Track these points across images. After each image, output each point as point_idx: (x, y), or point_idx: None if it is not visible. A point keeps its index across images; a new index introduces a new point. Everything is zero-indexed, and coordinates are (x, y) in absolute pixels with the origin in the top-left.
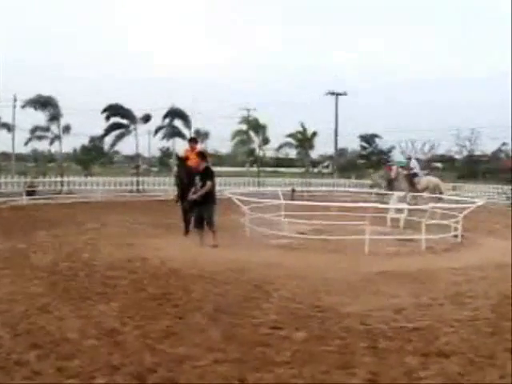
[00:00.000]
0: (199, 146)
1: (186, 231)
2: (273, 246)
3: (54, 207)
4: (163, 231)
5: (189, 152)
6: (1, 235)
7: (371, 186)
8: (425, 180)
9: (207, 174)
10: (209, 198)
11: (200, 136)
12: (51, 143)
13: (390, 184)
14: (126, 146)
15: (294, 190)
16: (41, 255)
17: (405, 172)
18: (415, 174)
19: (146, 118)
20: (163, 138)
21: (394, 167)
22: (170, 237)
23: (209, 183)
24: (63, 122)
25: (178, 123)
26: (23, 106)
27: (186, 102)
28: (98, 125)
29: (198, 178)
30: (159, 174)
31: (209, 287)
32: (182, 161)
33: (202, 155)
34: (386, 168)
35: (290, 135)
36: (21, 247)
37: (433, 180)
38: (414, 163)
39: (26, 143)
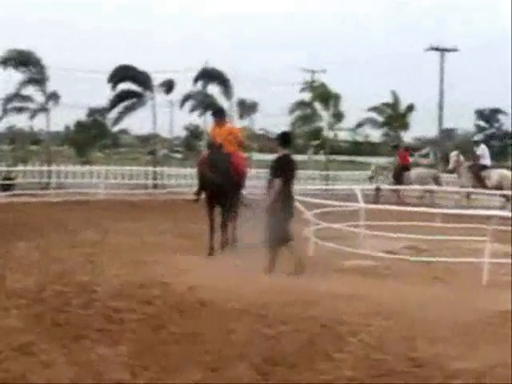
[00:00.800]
0: (234, 125)
1: (212, 248)
2: (348, 270)
3: (39, 207)
4: (191, 244)
5: (215, 131)
6: None
7: (370, 179)
8: (496, 174)
9: (281, 166)
10: (278, 204)
11: (245, 109)
12: (33, 117)
13: (399, 176)
14: (139, 123)
15: (378, 189)
16: (20, 276)
17: (467, 163)
18: (484, 167)
19: (168, 85)
20: (192, 110)
21: (454, 155)
22: (201, 253)
23: (277, 181)
24: (50, 88)
25: (213, 90)
26: None
27: (223, 63)
28: (100, 93)
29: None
30: (184, 163)
31: (256, 327)
32: (215, 147)
33: (236, 139)
34: (399, 153)
35: (374, 109)
36: None
37: (507, 175)
38: (482, 150)
39: (1, 118)
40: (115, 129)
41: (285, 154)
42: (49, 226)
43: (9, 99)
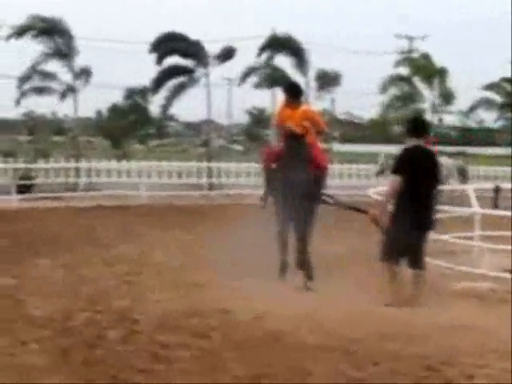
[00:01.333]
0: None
1: (283, 267)
2: (460, 294)
3: (64, 214)
4: (256, 261)
5: (284, 113)
6: None
7: (378, 174)
8: None
9: (408, 161)
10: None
11: (326, 84)
12: (58, 100)
13: None
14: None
15: (498, 189)
16: (41, 300)
17: None
18: None
19: (226, 55)
20: (256, 87)
21: None
22: (269, 272)
23: (397, 180)
24: (79, 63)
25: (283, 62)
26: (9, 37)
27: (296, 29)
28: (140, 70)
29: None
30: (247, 157)
31: (342, 367)
32: (292, 137)
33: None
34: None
35: (491, 87)
36: (7, 285)
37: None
38: None
39: (17, 102)
40: (159, 114)
41: (416, 146)
42: (77, 238)
43: (27, 77)
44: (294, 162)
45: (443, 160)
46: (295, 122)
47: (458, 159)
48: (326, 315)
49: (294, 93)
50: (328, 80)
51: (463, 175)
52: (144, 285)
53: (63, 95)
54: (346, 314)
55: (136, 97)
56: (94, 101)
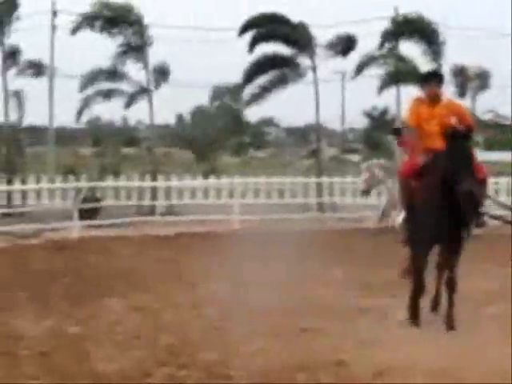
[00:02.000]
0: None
1: (415, 309)
2: None
3: (139, 245)
4: (380, 302)
5: (420, 111)
6: (29, 306)
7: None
8: None
9: None
10: None
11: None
12: (129, 104)
13: None
14: (292, 109)
15: None
16: (111, 352)
17: None
18: None
19: (344, 44)
20: (377, 82)
21: None
22: (396, 315)
23: None
24: (153, 57)
25: (408, 49)
26: (74, 30)
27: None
28: (230, 63)
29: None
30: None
31: None
32: (462, 139)
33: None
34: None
35: None
36: (70, 331)
37: None
38: None
39: (80, 111)
40: (253, 117)
41: None
42: (154, 274)
43: (92, 77)
44: (462, 170)
45: None
46: (439, 120)
47: None
48: (471, 371)
49: (435, 81)
50: (471, 77)
51: None
52: (238, 332)
53: (135, 98)
54: (497, 371)
55: (225, 97)
56: (172, 104)
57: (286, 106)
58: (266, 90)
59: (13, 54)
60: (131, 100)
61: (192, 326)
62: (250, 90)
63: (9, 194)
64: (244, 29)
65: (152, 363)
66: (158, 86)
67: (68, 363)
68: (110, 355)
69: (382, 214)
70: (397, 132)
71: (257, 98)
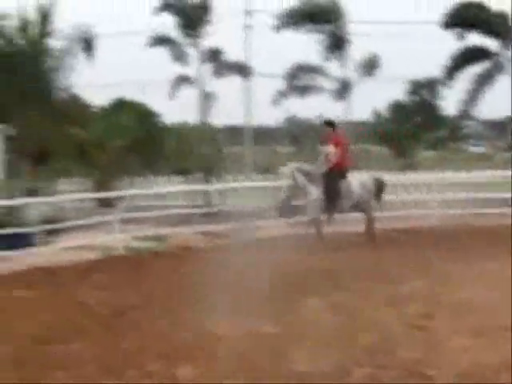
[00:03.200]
0: None
1: None
2: None
3: (339, 243)
4: None
5: None
6: (227, 305)
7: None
8: None
9: None
10: None
11: None
12: (333, 101)
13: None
14: (490, 102)
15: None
16: (308, 352)
17: None
18: None
19: None
20: None
21: None
22: None
23: None
24: (354, 53)
25: None
26: (279, 28)
27: None
28: (428, 56)
29: None
30: None
31: None
32: None
33: None
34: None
35: None
36: (267, 333)
37: None
38: None
39: (276, 104)
40: (456, 112)
41: None
42: (353, 272)
43: (290, 76)
44: None
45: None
46: None
47: None
48: None
49: None
50: None
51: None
52: (440, 331)
53: (336, 94)
54: None
55: (423, 92)
56: (369, 100)
57: (485, 99)
58: (472, 84)
59: (210, 56)
60: (332, 96)
61: (391, 325)
62: (452, 83)
63: (207, 194)
64: (449, 19)
65: (349, 363)
66: (358, 81)
67: (266, 363)
68: (306, 355)
69: None
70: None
71: (469, 93)
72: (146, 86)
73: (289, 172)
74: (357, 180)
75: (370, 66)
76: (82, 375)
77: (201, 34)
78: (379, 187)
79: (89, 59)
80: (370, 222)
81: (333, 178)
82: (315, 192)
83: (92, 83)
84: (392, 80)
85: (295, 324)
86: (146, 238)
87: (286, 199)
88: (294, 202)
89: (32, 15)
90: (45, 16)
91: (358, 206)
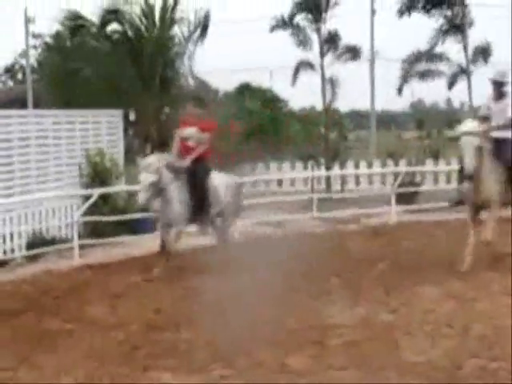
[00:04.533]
0: None
1: None
2: None
3: (456, 231)
4: None
5: None
6: (342, 292)
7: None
8: None
9: None
10: None
11: None
12: (450, 86)
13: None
14: None
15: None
16: (423, 342)
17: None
18: None
19: None
20: None
21: None
22: None
23: None
24: (473, 37)
25: None
26: (401, 12)
27: None
28: None
29: None
30: None
31: None
32: None
33: None
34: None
35: None
36: (382, 320)
37: None
38: None
39: (399, 90)
40: None
41: None
42: (473, 260)
43: (412, 60)
44: None
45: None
46: None
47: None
48: None
49: None
50: None
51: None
52: None
53: (455, 79)
54: None
55: None
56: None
57: None
58: None
59: (331, 40)
60: (452, 81)
61: (508, 316)
62: None
63: (328, 179)
64: None
65: (463, 354)
66: (477, 66)
67: (377, 353)
68: (421, 345)
69: None
70: None
71: None
72: (274, 72)
73: (153, 165)
74: (221, 180)
75: (485, 52)
76: None
77: (324, 19)
78: (238, 191)
79: (213, 45)
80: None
81: (199, 175)
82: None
83: (219, 68)
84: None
85: (411, 313)
86: (265, 224)
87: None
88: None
89: (157, 1)
90: (168, 2)
91: (220, 214)
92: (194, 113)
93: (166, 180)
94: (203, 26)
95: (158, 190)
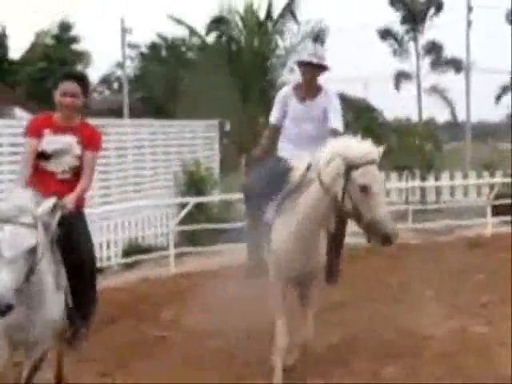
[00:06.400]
0: None
1: None
2: None
3: None
4: None
5: None
6: (436, 304)
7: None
8: None
9: None
10: None
11: None
12: None
13: None
14: None
15: None
16: None
17: None
18: None
19: None
20: None
21: None
22: None
23: None
24: None
25: None
26: None
27: None
28: None
29: None
30: None
31: None
32: None
33: None
34: None
35: None
36: (477, 331)
37: None
38: None
39: (497, 99)
40: None
41: None
42: None
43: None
44: None
45: None
46: None
47: None
48: None
49: None
50: None
51: None
52: None
53: None
54: None
55: None
56: None
57: None
58: None
59: (431, 51)
60: None
61: None
62: None
63: (423, 190)
64: None
65: None
66: None
67: (472, 365)
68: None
69: None
70: None
71: None
72: (371, 81)
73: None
74: None
75: None
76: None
77: (422, 29)
78: None
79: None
80: None
81: None
82: None
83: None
84: None
85: (507, 325)
86: (354, 234)
87: None
88: None
89: (257, 13)
90: (270, 13)
91: None
92: None
93: None
94: (317, 36)
95: None
